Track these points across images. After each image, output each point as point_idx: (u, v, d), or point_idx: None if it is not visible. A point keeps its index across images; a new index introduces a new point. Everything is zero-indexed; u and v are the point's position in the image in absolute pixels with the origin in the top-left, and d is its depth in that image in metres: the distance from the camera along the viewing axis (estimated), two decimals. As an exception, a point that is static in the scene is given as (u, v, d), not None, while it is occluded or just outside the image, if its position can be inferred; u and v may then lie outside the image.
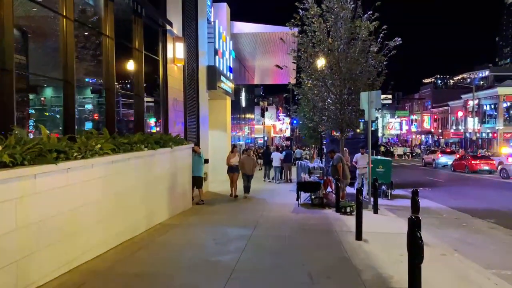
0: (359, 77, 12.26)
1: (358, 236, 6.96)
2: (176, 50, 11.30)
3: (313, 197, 11.37)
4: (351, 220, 9.08)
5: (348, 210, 9.81)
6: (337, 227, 8.34)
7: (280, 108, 73.74)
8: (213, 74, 15.59)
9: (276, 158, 18.86)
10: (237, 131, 35.32)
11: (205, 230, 7.96)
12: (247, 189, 13.05)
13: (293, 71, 14.52)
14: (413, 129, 78.11)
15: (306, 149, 34.98)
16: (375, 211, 10.21)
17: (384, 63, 12.55)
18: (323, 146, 20.90)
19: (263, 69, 34.35)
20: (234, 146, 14.55)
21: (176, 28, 11.51)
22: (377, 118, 20.21)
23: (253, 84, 43.28)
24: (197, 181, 11.36)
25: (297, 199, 11.35)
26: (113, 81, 7.76)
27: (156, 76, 10.44)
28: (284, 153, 19.62)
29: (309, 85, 12.68)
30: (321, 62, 12.34)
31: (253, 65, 32.56)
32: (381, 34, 12.30)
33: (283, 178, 19.03)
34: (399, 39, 12.36)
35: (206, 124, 15.40)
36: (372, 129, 19.51)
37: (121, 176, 6.61)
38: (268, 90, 67.92)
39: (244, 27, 21.79)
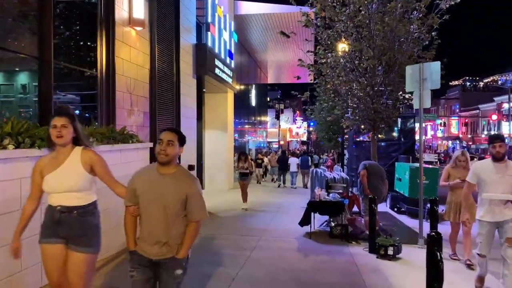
0: (399, 49, 8.46)
1: None
2: (133, 7, 7.76)
3: (332, 224, 7.60)
4: (397, 273, 5.31)
5: (390, 251, 6.02)
6: (377, 294, 4.57)
7: (298, 112, 69.86)
8: (203, 55, 12.00)
9: (293, 163, 17.99)
10: (252, 134, 31.67)
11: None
12: None
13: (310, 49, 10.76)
14: (439, 134, 73.27)
15: (324, 154, 30.98)
16: (433, 252, 6.36)
17: (434, 32, 8.69)
18: (345, 151, 17.02)
19: (277, 64, 30.75)
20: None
21: (136, -24, 7.97)
22: (413, 116, 15.97)
23: (267, 83, 39.79)
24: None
25: (304, 224, 7.60)
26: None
27: (92, 39, 6.90)
28: (300, 158, 18.71)
29: (328, 61, 8.89)
30: (344, 27, 8.59)
31: (265, 60, 29.00)
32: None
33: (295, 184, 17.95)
34: None
35: (193, 120, 11.82)
36: (408, 128, 15.67)
37: None
38: (286, 93, 63.82)
39: (251, 8, 18.21)
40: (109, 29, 7.06)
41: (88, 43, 6.95)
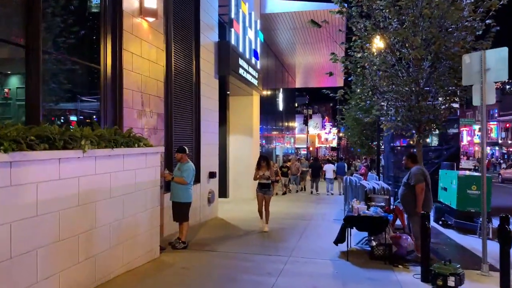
0: (448, 38, 7.23)
1: None
2: (144, -5, 6.93)
3: (373, 243, 6.43)
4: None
5: (451, 282, 4.80)
6: None
7: (327, 117, 68.20)
8: (226, 53, 11.09)
9: (329, 170, 17.99)
10: (279, 140, 30.59)
11: None
12: None
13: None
14: (476, 140, 69.84)
15: (357, 161, 29.46)
16: (506, 283, 5.07)
17: (489, 20, 7.41)
18: (381, 157, 15.66)
19: (305, 68, 29.65)
20: None
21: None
22: (457, 119, 14.27)
23: (295, 88, 38.71)
24: (176, 211, 6.85)
25: (339, 242, 6.50)
26: None
27: (95, 29, 6.08)
28: (336, 165, 19.01)
29: (364, 54, 7.77)
30: (383, 16, 7.47)
31: (293, 63, 27.96)
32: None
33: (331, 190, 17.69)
34: None
35: (214, 124, 10.90)
36: (452, 132, 14.23)
37: None
38: (314, 98, 62.18)
39: (279, 6, 17.23)
40: (116, 19, 6.24)
41: (91, 34, 6.12)
